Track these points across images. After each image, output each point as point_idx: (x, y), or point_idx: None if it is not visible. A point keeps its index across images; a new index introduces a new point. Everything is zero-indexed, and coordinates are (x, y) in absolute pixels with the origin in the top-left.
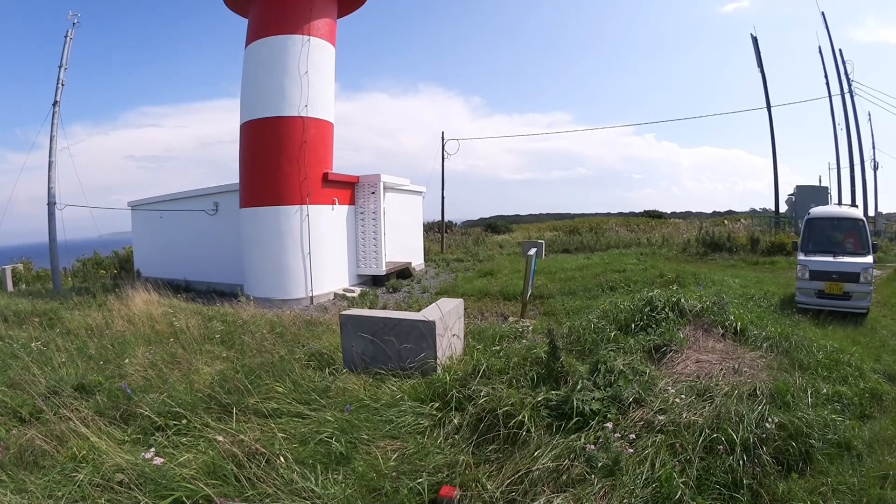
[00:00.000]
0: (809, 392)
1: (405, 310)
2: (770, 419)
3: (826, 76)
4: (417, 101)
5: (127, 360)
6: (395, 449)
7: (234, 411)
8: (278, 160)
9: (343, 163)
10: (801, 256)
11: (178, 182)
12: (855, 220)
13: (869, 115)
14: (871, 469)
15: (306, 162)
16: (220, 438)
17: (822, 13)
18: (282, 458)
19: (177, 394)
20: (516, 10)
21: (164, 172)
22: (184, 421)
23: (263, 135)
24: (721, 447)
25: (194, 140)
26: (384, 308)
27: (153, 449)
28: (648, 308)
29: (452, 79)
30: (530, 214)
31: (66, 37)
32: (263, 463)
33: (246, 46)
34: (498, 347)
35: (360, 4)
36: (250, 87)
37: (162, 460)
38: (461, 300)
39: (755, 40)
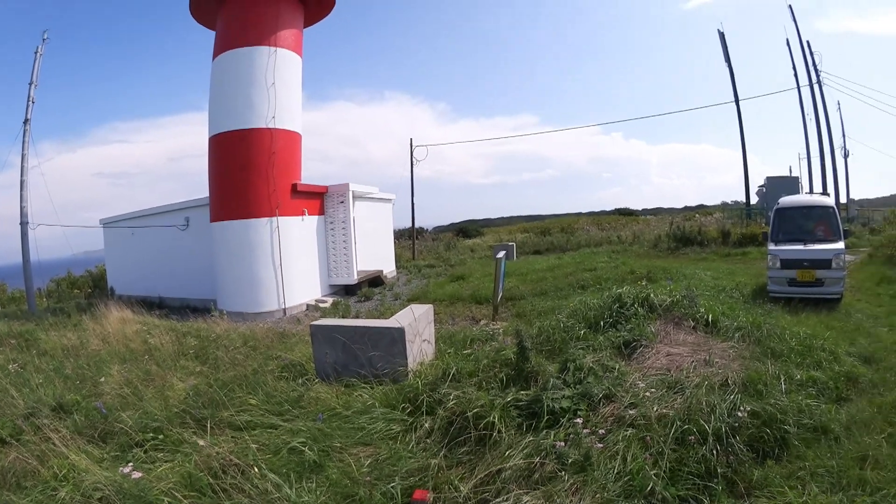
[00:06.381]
0: (783, 379)
1: (377, 317)
2: (742, 408)
3: (794, 68)
4: (384, 109)
5: (103, 379)
6: (367, 455)
7: (209, 424)
8: (247, 172)
9: (311, 173)
10: (772, 246)
11: (148, 198)
12: (825, 208)
13: (838, 104)
14: (850, 451)
15: (275, 173)
16: (202, 443)
17: (790, 6)
18: (256, 469)
19: (152, 410)
20: (478, 14)
21: (134, 188)
22: (160, 436)
23: (232, 147)
24: (693, 438)
25: (163, 155)
26: (356, 317)
27: (131, 464)
28: (617, 305)
29: (418, 85)
30: (501, 217)
31: (35, 53)
32: (239, 474)
33: (213, 59)
34: (468, 351)
35: (326, 14)
36: (218, 100)
37: (140, 474)
38: (431, 305)
39: (722, 35)
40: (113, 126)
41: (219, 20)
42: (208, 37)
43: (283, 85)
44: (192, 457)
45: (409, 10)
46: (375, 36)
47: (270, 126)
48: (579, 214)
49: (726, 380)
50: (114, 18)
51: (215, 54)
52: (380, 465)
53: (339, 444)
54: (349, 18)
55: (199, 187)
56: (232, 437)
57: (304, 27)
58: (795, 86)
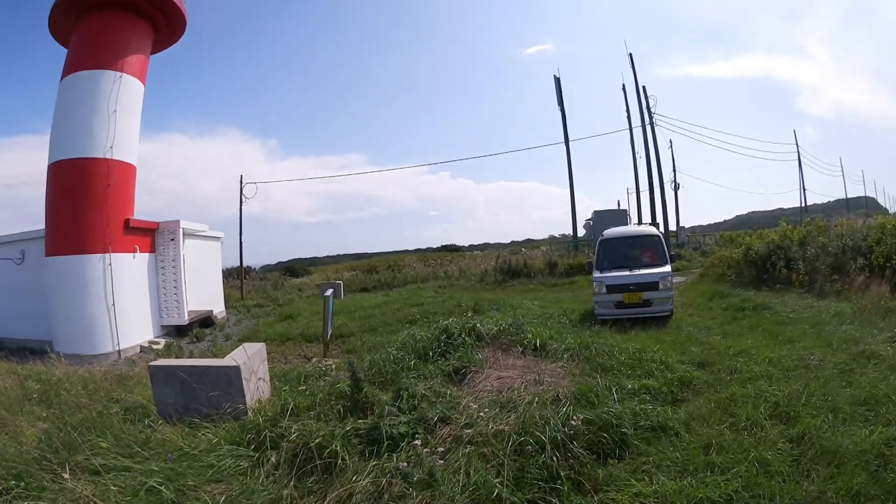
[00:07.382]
0: (614, 389)
1: (211, 358)
2: (576, 417)
3: (628, 110)
4: (215, 143)
5: None
6: (221, 492)
7: (67, 469)
8: (83, 205)
9: (140, 207)
10: (597, 274)
11: None
12: (651, 237)
13: (670, 142)
14: (692, 442)
15: (109, 207)
16: (69, 484)
17: (630, 55)
18: None
19: (10, 456)
20: (309, 50)
21: None
22: (22, 483)
23: (69, 177)
24: (530, 448)
25: None
26: (191, 357)
27: None
28: (445, 336)
29: (250, 120)
30: (328, 256)
31: None
32: None
33: (61, 80)
34: (304, 387)
35: (174, 42)
36: (60, 125)
37: None
38: (263, 344)
39: (557, 81)
40: None
41: (72, 39)
42: (59, 57)
43: (124, 113)
44: (57, 502)
45: (249, 44)
46: (211, 69)
47: (108, 157)
48: (406, 252)
49: (558, 395)
50: None
51: (63, 75)
52: (235, 500)
53: (192, 483)
54: (189, 51)
55: (37, 218)
56: (90, 480)
57: (151, 54)
58: (628, 127)
